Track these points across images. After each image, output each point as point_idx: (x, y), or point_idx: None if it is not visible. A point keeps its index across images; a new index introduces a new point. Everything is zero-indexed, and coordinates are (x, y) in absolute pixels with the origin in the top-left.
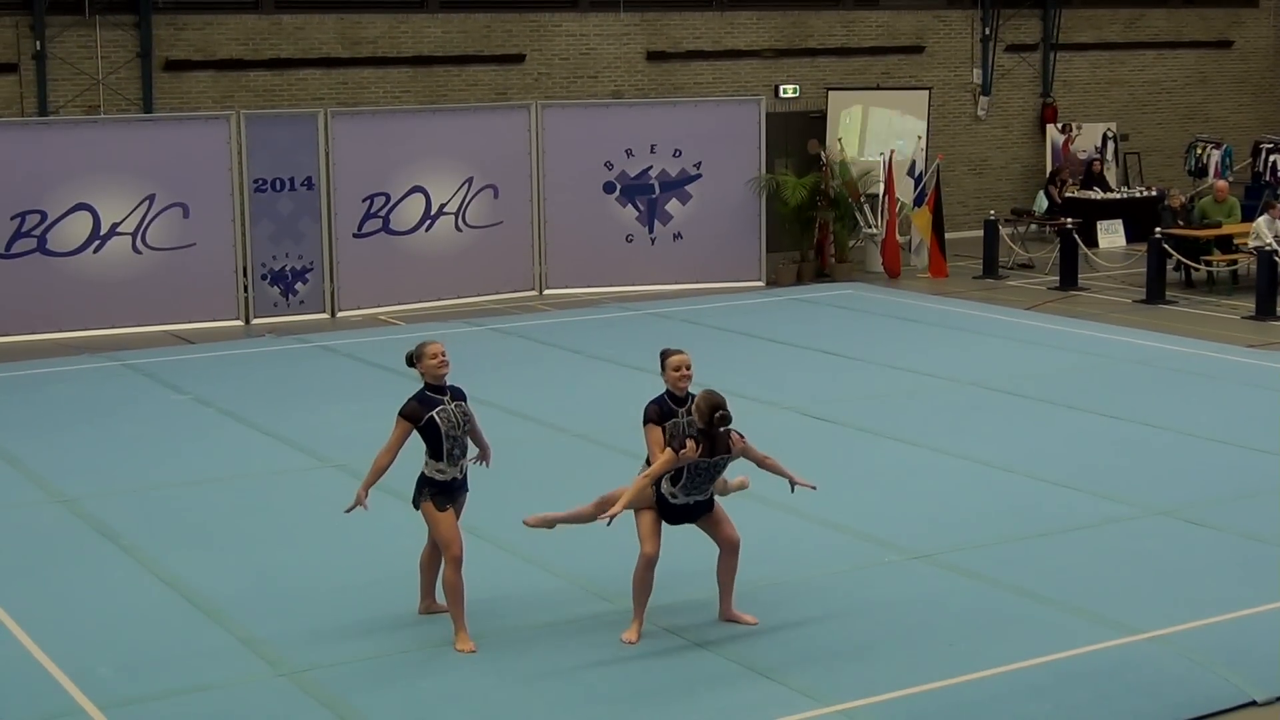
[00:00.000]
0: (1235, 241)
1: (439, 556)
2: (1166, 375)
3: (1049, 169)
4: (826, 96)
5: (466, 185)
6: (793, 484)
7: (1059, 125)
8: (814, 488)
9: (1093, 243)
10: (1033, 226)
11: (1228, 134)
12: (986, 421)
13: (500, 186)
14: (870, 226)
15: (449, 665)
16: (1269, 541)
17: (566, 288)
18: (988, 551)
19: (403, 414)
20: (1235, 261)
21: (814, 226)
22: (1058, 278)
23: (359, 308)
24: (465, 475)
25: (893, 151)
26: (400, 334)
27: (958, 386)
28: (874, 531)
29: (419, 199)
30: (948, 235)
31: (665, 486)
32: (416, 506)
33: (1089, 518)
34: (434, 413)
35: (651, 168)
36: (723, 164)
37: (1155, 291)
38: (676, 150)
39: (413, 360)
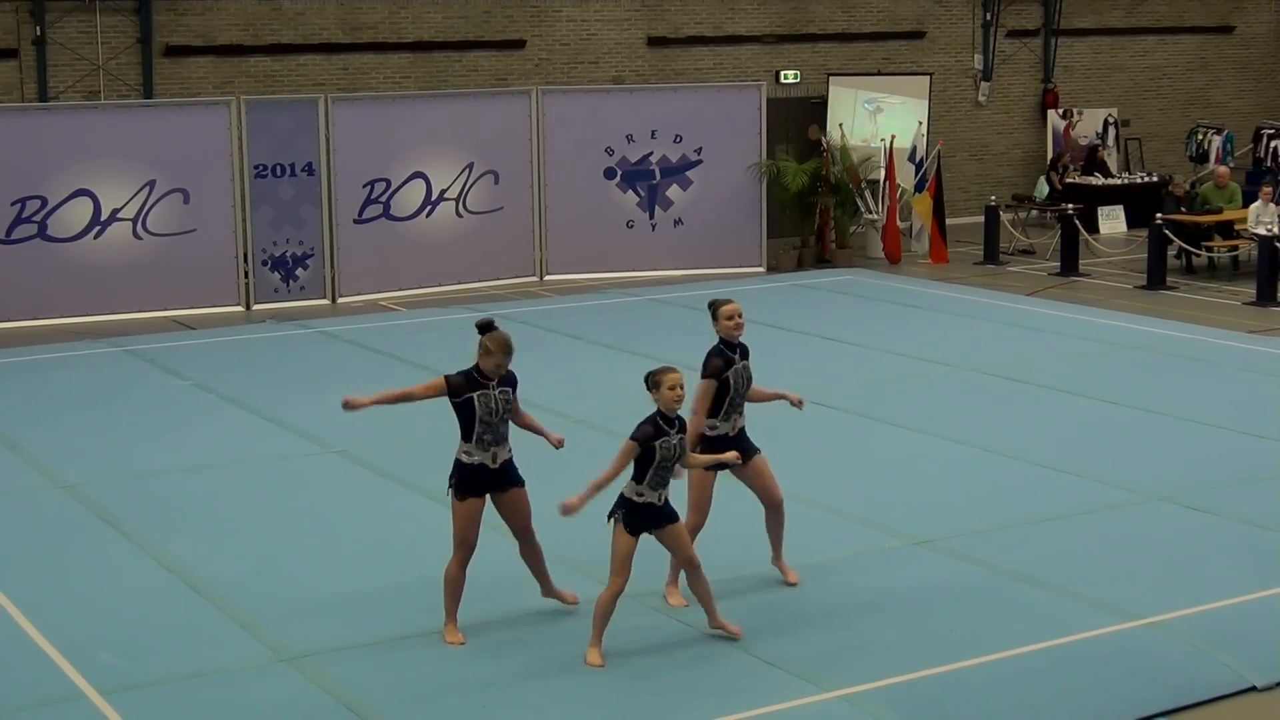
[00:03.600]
0: (1236, 227)
1: (533, 547)
2: (1167, 361)
3: (1050, 155)
4: (827, 82)
5: (467, 171)
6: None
7: (1060, 111)
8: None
9: (1094, 228)
10: (1033, 212)
11: (1229, 120)
12: (987, 407)
13: (501, 172)
14: (871, 212)
15: (450, 650)
16: (1269, 527)
17: (567, 273)
18: (988, 537)
19: (446, 378)
20: (1236, 247)
21: (815, 212)
22: (1059, 264)
23: (360, 293)
24: (503, 467)
25: (893, 137)
26: (401, 320)
27: (958, 372)
28: (874, 517)
29: (419, 185)
30: (948, 221)
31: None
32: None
33: (1089, 503)
34: (475, 394)
35: (652, 153)
36: (723, 150)
37: (1156, 277)
38: (677, 136)
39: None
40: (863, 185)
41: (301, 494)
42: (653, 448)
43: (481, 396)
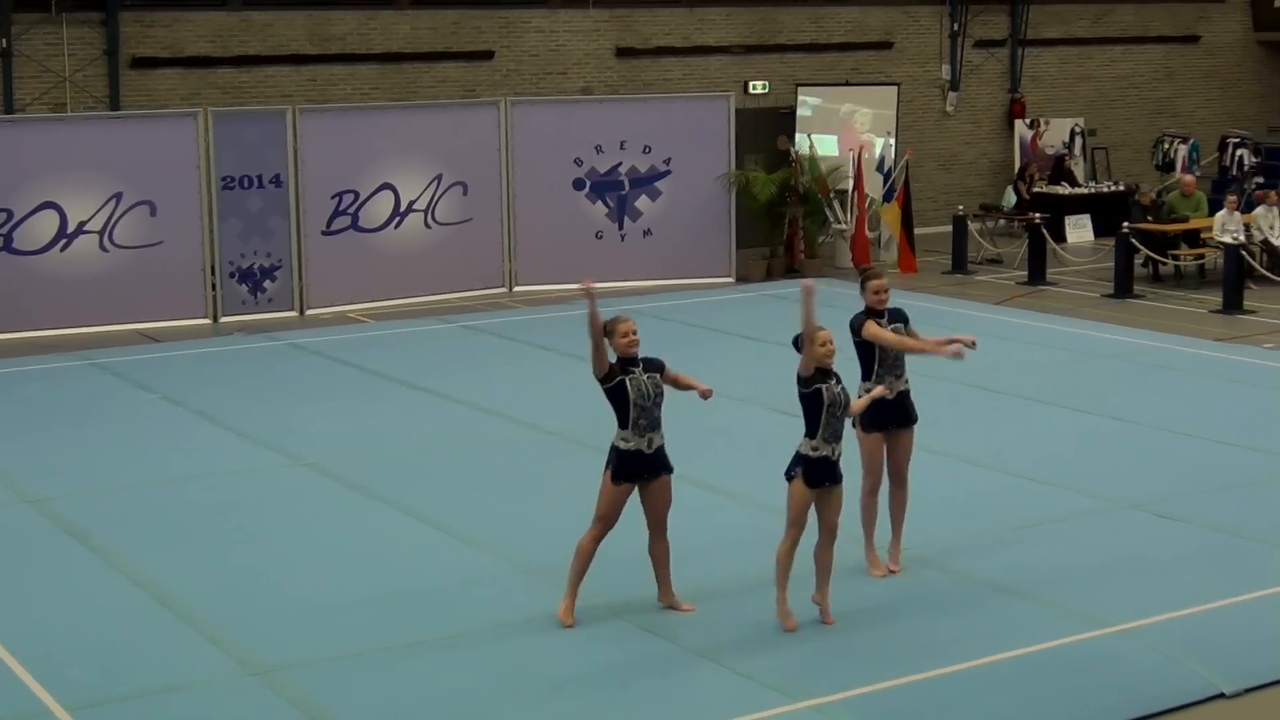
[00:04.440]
0: (1202, 236)
1: (663, 544)
2: (1135, 369)
3: (1017, 164)
4: (796, 92)
5: (436, 182)
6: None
7: (1027, 121)
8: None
9: (1061, 238)
10: (1001, 222)
11: (1195, 129)
12: (957, 416)
13: (470, 183)
14: (840, 222)
15: (419, 663)
16: (1238, 534)
17: (536, 284)
18: (958, 545)
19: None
20: (1202, 255)
21: (784, 222)
22: (1026, 273)
23: (328, 305)
24: (657, 452)
25: (862, 147)
26: (370, 331)
27: (927, 381)
28: (846, 527)
29: (388, 196)
30: (917, 230)
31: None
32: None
33: (1059, 511)
34: (626, 377)
35: (621, 164)
36: (692, 160)
37: (1123, 286)
38: (646, 147)
39: (605, 330)
40: (831, 195)
41: (271, 507)
42: (820, 394)
43: (632, 380)
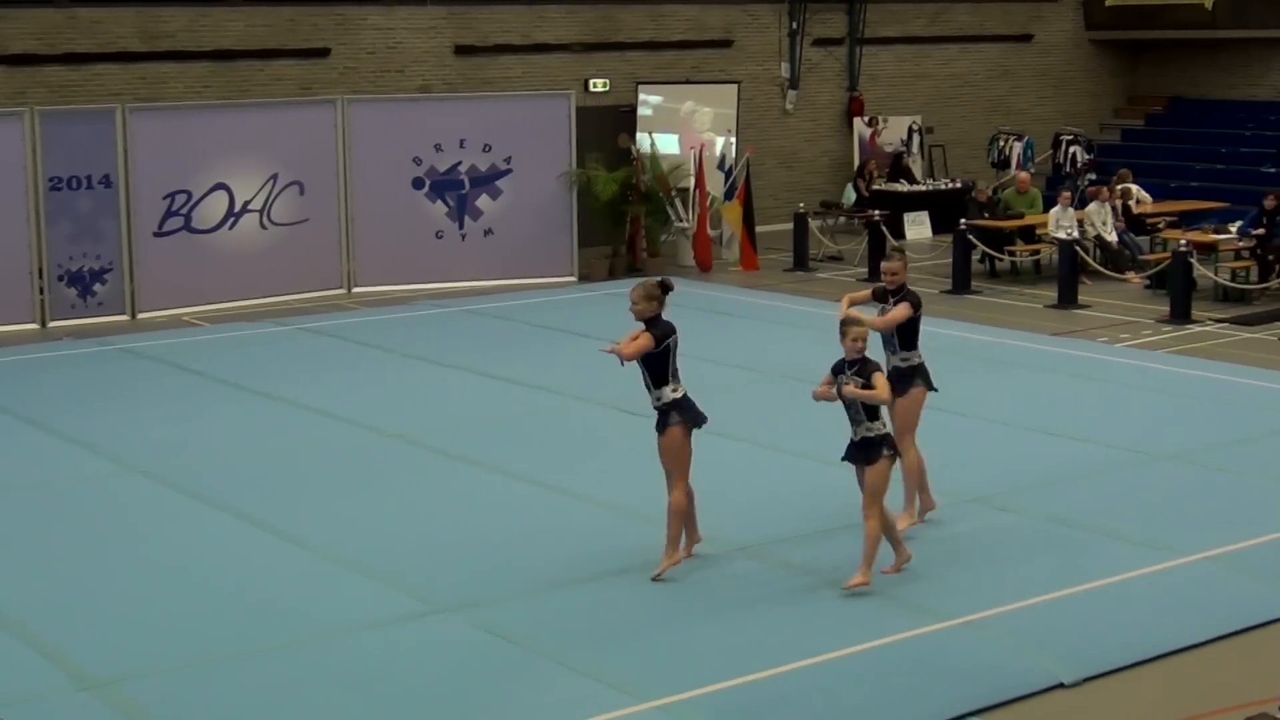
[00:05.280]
0: (1037, 232)
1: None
2: (973, 364)
3: (856, 162)
4: (636, 91)
5: (271, 182)
6: None
7: (866, 119)
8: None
9: (900, 234)
10: (841, 219)
11: (1029, 126)
12: (798, 413)
13: (306, 183)
14: (681, 220)
15: (254, 672)
16: (1074, 525)
17: (376, 285)
18: (804, 542)
19: (654, 333)
20: (1037, 251)
21: (625, 221)
22: (866, 269)
23: (161, 309)
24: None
25: (702, 146)
26: (204, 335)
27: (770, 379)
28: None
29: (222, 196)
30: (758, 228)
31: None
32: (661, 431)
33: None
34: (669, 340)
35: (461, 163)
36: (533, 159)
37: (961, 282)
38: (486, 145)
39: (668, 288)
40: (673, 193)
41: (102, 516)
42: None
43: (673, 340)
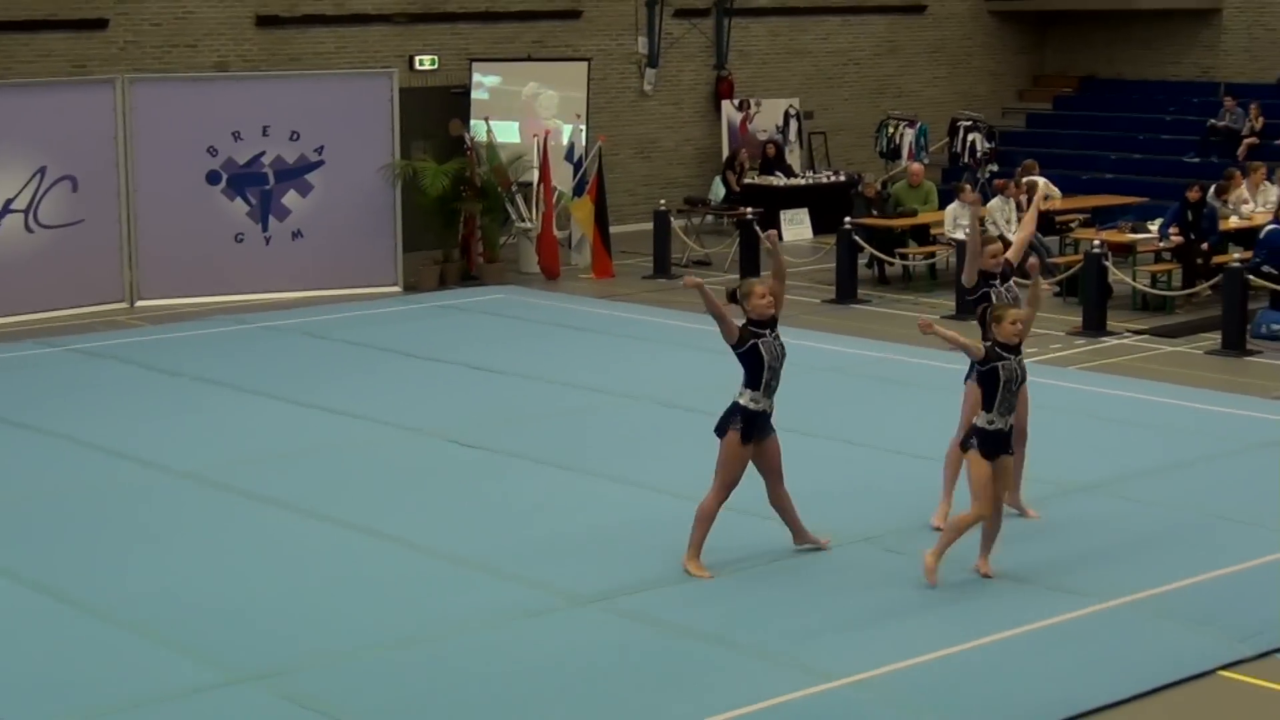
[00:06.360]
0: (932, 231)
1: (784, 494)
2: (859, 383)
3: (725, 152)
4: (470, 69)
5: (39, 177)
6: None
7: (736, 102)
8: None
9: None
10: (709, 218)
11: (922, 110)
12: (656, 440)
13: (80, 178)
14: (524, 220)
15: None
16: (968, 569)
17: (164, 298)
18: (663, 593)
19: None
20: (933, 254)
21: (459, 221)
22: (738, 275)
23: None
24: (769, 413)
25: (547, 133)
26: None
27: (624, 403)
28: (535, 575)
29: None
30: (612, 229)
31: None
32: (721, 434)
33: (784, 549)
34: (758, 340)
35: (264, 154)
36: (349, 149)
37: (846, 290)
38: (294, 133)
39: (735, 296)
40: (513, 188)
41: None
42: (996, 370)
43: (764, 343)
